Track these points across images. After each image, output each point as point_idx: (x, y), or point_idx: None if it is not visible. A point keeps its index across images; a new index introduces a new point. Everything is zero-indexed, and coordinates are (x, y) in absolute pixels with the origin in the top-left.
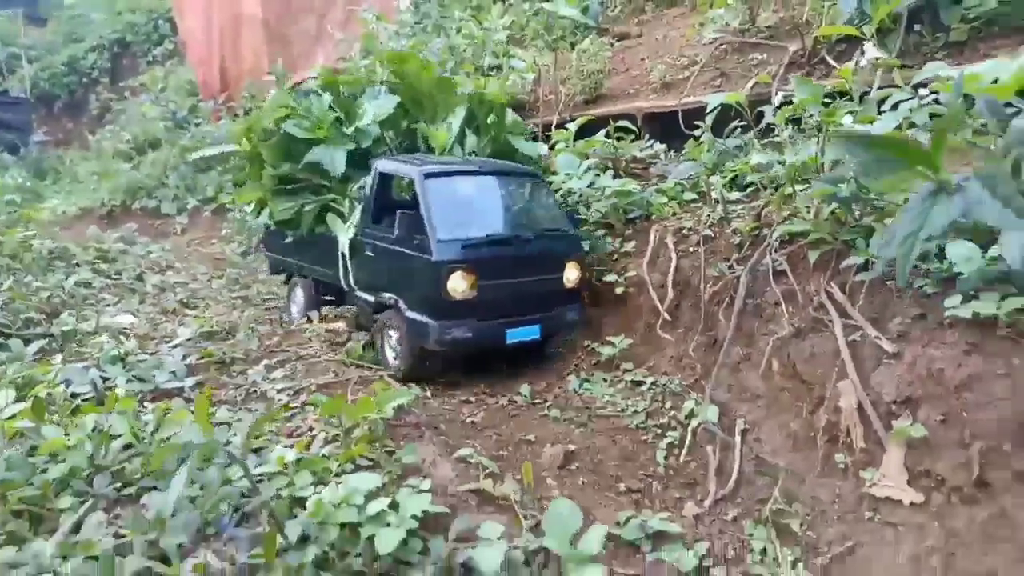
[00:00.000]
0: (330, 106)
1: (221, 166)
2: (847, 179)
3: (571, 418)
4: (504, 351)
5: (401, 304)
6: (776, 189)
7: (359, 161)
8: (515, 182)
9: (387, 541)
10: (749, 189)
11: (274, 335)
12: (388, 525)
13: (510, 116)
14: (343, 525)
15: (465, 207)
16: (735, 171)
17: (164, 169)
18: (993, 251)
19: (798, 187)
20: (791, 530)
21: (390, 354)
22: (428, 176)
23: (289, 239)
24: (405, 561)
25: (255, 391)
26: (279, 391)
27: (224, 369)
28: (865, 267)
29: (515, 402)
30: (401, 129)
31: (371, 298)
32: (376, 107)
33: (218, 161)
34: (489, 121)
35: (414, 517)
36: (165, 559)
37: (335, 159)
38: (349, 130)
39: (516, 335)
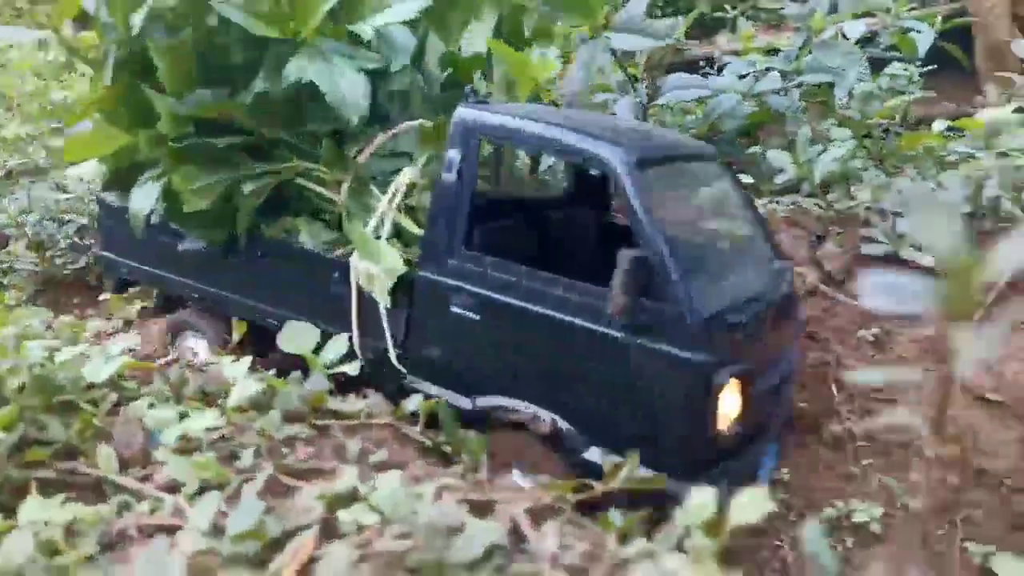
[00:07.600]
0: None
1: None
2: None
3: None
4: None
5: (572, 430)
6: None
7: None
8: (704, 171)
9: None
10: None
11: None
12: None
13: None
14: None
15: (702, 239)
16: None
17: None
18: None
19: None
20: None
21: None
22: (641, 164)
23: (188, 244)
24: None
25: None
26: None
27: None
28: None
29: None
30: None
31: (466, 402)
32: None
33: None
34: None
35: None
36: None
37: (351, 87)
38: (366, 32)
39: (768, 465)
